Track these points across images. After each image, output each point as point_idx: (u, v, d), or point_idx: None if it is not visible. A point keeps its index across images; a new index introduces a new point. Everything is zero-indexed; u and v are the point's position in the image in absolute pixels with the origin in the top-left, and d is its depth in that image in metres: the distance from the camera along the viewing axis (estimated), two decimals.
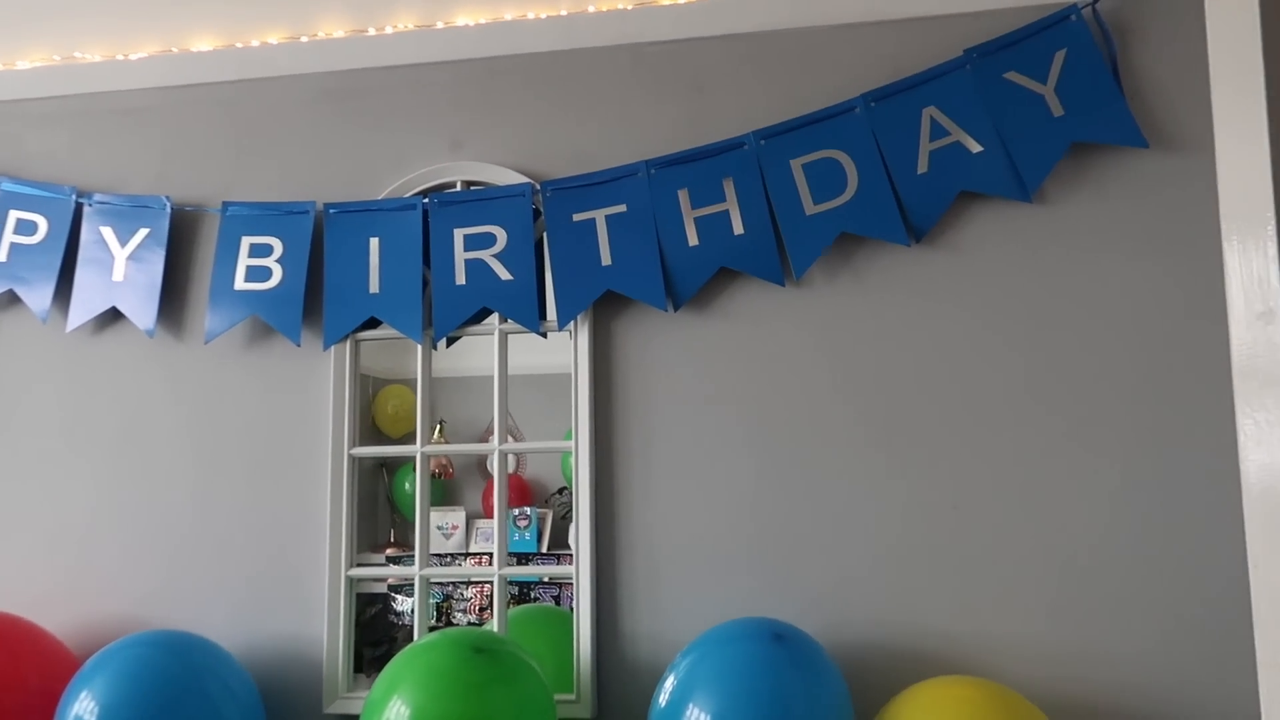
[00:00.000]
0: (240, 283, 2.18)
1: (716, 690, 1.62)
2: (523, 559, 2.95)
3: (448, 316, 2.08)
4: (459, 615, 2.80)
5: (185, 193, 2.29)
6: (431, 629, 1.96)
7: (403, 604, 2.88)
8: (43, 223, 2.27)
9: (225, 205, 2.22)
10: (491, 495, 3.09)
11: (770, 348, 2.00)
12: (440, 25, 2.23)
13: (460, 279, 2.08)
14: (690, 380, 2.03)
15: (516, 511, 3.06)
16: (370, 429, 3.11)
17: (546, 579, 2.59)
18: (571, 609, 1.98)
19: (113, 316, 2.27)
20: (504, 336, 2.10)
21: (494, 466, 2.08)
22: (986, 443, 1.89)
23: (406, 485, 3.12)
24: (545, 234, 2.07)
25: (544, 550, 2.97)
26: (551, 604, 2.71)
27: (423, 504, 2.10)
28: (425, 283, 2.12)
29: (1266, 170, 1.01)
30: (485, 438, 3.01)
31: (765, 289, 2.00)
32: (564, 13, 2.16)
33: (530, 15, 2.18)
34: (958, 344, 1.93)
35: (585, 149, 2.11)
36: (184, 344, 2.25)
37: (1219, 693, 1.67)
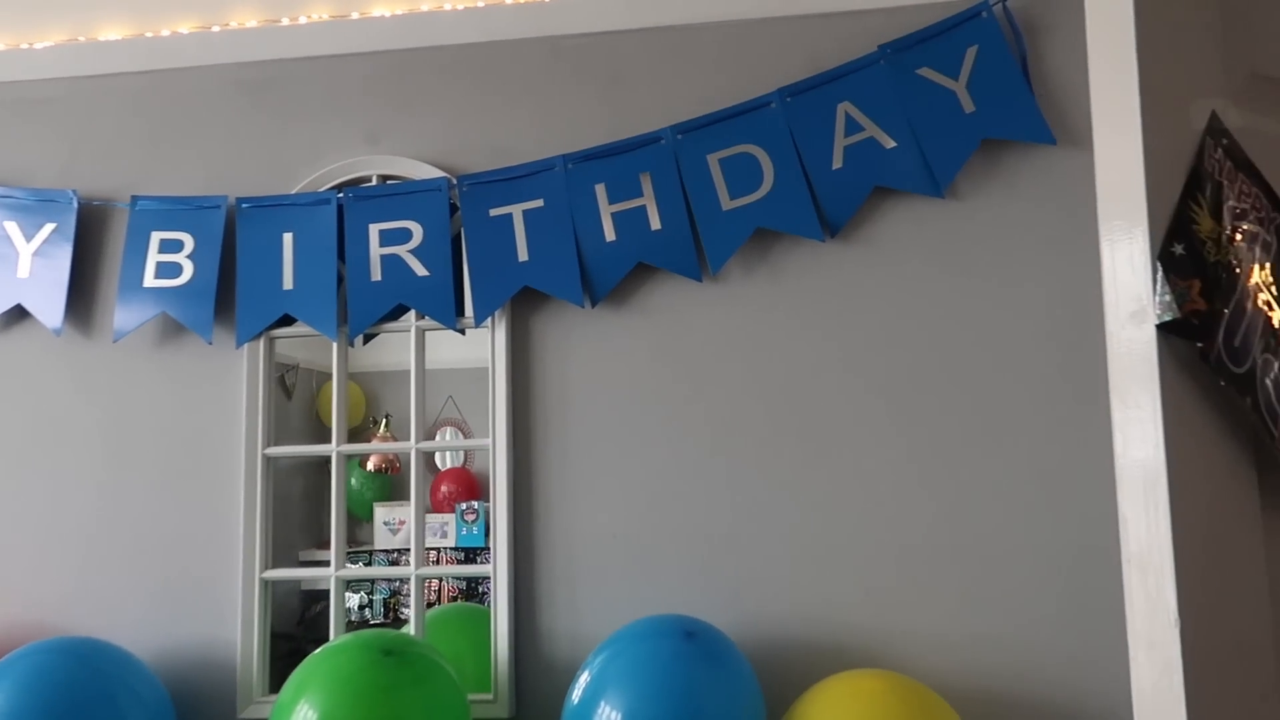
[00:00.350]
0: (150, 279, 2.12)
1: (628, 688, 1.61)
2: (471, 554, 2.93)
3: (363, 313, 2.05)
4: (405, 611, 2.77)
5: (93, 186, 2.22)
6: (379, 625, 1.94)
7: (349, 600, 2.84)
8: None
9: (135, 199, 2.16)
10: (440, 489, 3.06)
11: (687, 343, 1.99)
12: (355, 16, 2.18)
13: (376, 275, 2.05)
14: (608, 376, 2.01)
15: (465, 506, 3.03)
16: (314, 424, 3.07)
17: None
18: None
19: (18, 315, 2.19)
20: (421, 333, 2.07)
21: (413, 465, 2.05)
22: (900, 436, 1.91)
23: (353, 481, 3.08)
24: (462, 229, 2.04)
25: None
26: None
27: (339, 504, 2.07)
28: (340, 279, 2.08)
29: (1139, 171, 1.03)
30: (433, 432, 2.97)
31: (682, 284, 1.99)
32: (481, 4, 2.13)
33: (447, 6, 2.15)
34: (872, 338, 1.94)
35: (503, 143, 2.09)
36: (92, 342, 2.19)
37: (1111, 672, 1.68)
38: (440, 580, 2.69)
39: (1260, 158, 1.14)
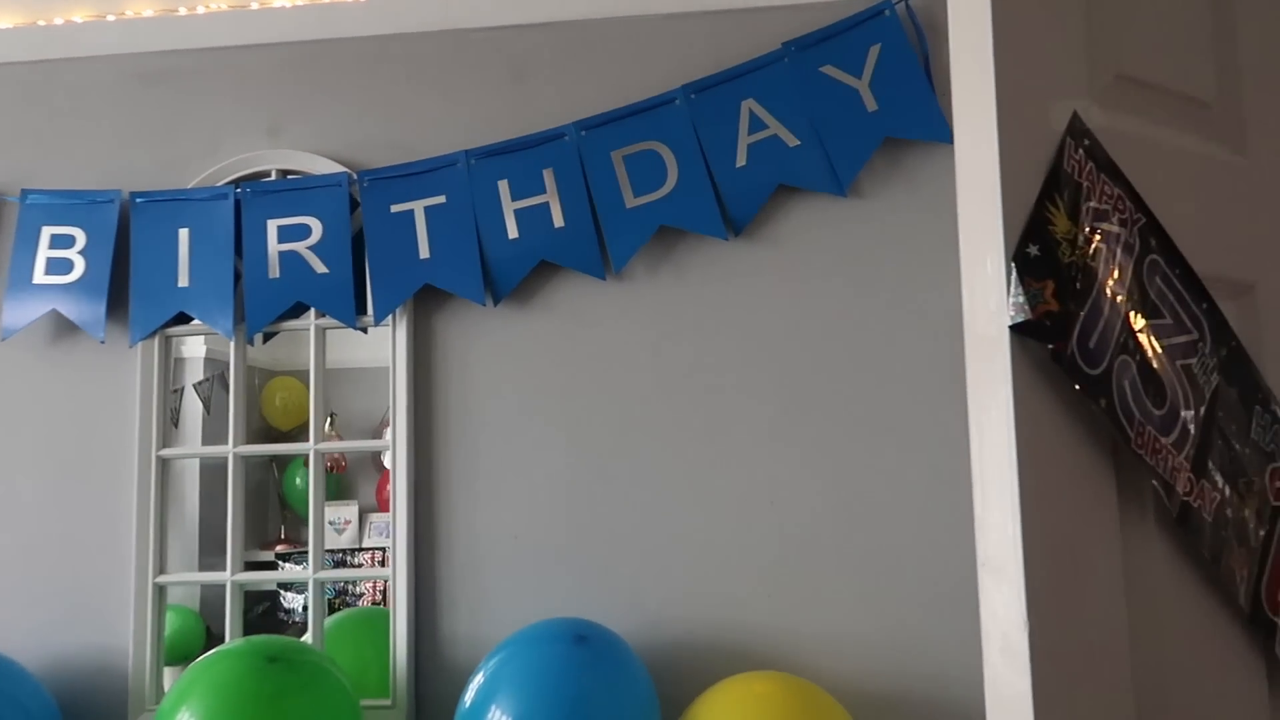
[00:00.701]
0: (40, 275, 2.05)
1: (518, 692, 1.59)
2: None
3: (261, 311, 2.00)
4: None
5: None
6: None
7: (292, 601, 2.79)
8: None
9: (25, 193, 2.08)
10: (386, 488, 3.00)
11: (592, 342, 1.97)
12: (256, 6, 2.13)
13: (274, 272, 2.00)
14: (512, 375, 1.99)
15: None
16: (259, 422, 3.01)
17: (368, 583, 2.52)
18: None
19: None
20: (321, 332, 2.02)
21: (310, 465, 2.01)
22: (801, 437, 1.90)
23: (297, 480, 3.03)
24: (363, 226, 2.00)
25: None
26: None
27: (235, 506, 2.02)
28: (238, 276, 2.04)
29: (995, 172, 1.02)
30: (380, 431, 2.91)
31: (587, 283, 1.97)
32: None
33: None
34: (775, 338, 1.93)
35: (406, 138, 2.05)
36: None
37: None
38: (386, 582, 2.66)
39: (1125, 159, 1.14)
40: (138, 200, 2.05)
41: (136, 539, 1.99)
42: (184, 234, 2.03)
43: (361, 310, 1.99)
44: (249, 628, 2.15)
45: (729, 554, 1.89)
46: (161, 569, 2.00)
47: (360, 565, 2.79)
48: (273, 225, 2.01)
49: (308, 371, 2.00)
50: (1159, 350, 1.17)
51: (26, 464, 2.07)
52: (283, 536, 3.12)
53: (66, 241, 2.06)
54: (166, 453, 2.02)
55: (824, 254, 1.92)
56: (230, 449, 2.02)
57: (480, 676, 1.65)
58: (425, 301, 2.00)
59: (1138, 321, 1.15)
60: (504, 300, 1.97)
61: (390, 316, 1.97)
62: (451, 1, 2.06)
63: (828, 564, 1.86)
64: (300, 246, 2.00)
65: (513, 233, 1.95)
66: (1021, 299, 1.04)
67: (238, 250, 2.02)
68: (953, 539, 1.80)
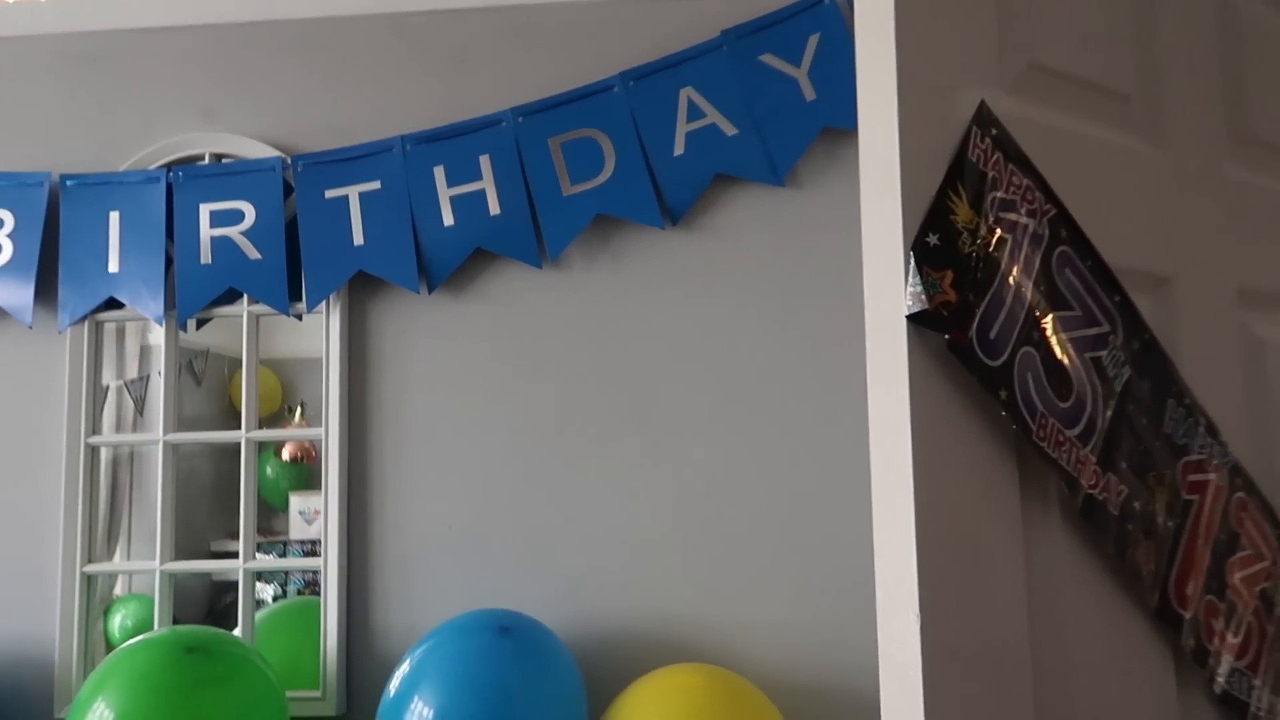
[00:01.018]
0: None
1: (440, 682, 1.58)
2: None
3: (192, 297, 1.97)
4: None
5: None
6: None
7: (261, 591, 2.77)
8: None
9: None
10: None
11: (528, 332, 1.95)
12: None
13: (206, 258, 1.97)
14: (447, 365, 1.97)
15: None
16: (228, 410, 2.98)
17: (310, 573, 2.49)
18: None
19: None
20: (254, 319, 2.00)
21: (242, 454, 1.98)
22: (739, 428, 1.89)
23: (269, 470, 3.01)
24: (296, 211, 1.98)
25: None
26: None
27: (165, 495, 1.99)
28: (170, 261, 2.01)
29: (895, 160, 1.01)
30: None
31: (523, 271, 1.95)
32: None
33: None
34: (711, 328, 1.92)
35: (342, 122, 2.02)
36: None
37: None
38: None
39: (1038, 150, 1.14)
40: (68, 183, 2.02)
41: (64, 527, 1.96)
42: (114, 217, 2.00)
43: (296, 297, 1.97)
44: (217, 618, 2.13)
45: (663, 546, 1.88)
46: (90, 557, 1.97)
47: None
48: (205, 210, 1.98)
49: (278, 360, 1.98)
50: (1066, 342, 1.16)
51: None
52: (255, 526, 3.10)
53: None
54: (95, 440, 1.99)
55: (761, 244, 1.91)
56: (160, 436, 1.99)
57: (405, 666, 1.64)
58: (360, 289, 1.98)
59: (1044, 313, 1.15)
60: (439, 288, 1.95)
61: (324, 304, 1.95)
62: None
63: (762, 556, 1.85)
64: (233, 232, 1.97)
65: (448, 220, 1.93)
66: (919, 288, 1.03)
67: (170, 235, 2.00)
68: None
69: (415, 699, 1.57)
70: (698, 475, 1.88)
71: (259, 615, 2.00)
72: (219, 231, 1.97)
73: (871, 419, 1.05)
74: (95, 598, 1.96)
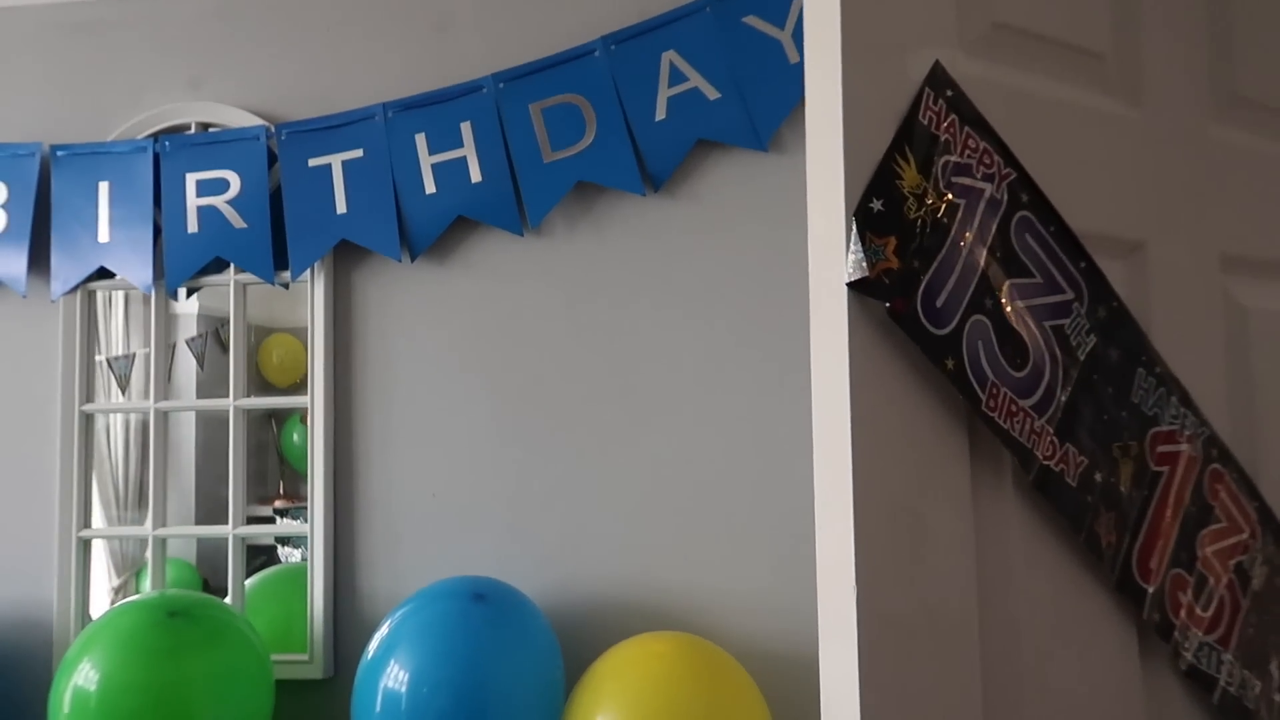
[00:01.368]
0: None
1: (414, 647, 1.60)
2: None
3: (180, 266, 1.99)
4: None
5: None
6: None
7: (289, 556, 2.82)
8: None
9: None
10: None
11: (511, 299, 1.95)
12: None
13: (193, 226, 1.98)
14: (431, 333, 1.97)
15: None
16: (256, 378, 3.03)
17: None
18: None
19: None
20: (241, 288, 2.02)
21: (231, 422, 2.01)
22: (721, 395, 1.88)
23: (295, 436, 3.05)
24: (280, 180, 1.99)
25: None
26: None
27: (158, 461, 2.03)
28: (158, 230, 2.03)
29: (838, 123, 0.99)
30: None
31: (505, 239, 1.94)
32: None
33: None
34: (694, 295, 1.89)
35: (326, 90, 2.01)
36: None
37: None
38: None
39: (1000, 112, 1.10)
40: (59, 153, 2.03)
41: (60, 493, 2.00)
42: (104, 187, 2.01)
43: (282, 266, 1.98)
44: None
45: (644, 513, 1.87)
46: (85, 523, 2.01)
47: None
48: (191, 179, 1.99)
49: (304, 329, 1.99)
50: (1023, 310, 1.13)
51: None
52: (281, 492, 3.15)
53: None
54: (89, 407, 2.02)
55: (744, 210, 1.88)
56: (151, 404, 2.02)
57: (382, 631, 1.66)
58: (345, 258, 1.99)
59: (999, 280, 1.12)
60: (422, 256, 1.95)
61: (309, 272, 1.96)
62: None
63: (742, 525, 1.84)
64: (219, 201, 1.98)
65: (430, 188, 1.92)
66: (860, 256, 1.01)
67: (158, 204, 2.01)
68: None
69: (391, 662, 1.59)
70: (679, 443, 1.87)
71: (250, 581, 2.03)
72: (205, 201, 1.98)
73: (814, 388, 1.03)
74: (87, 562, 2.00)
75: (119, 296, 2.36)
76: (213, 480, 2.10)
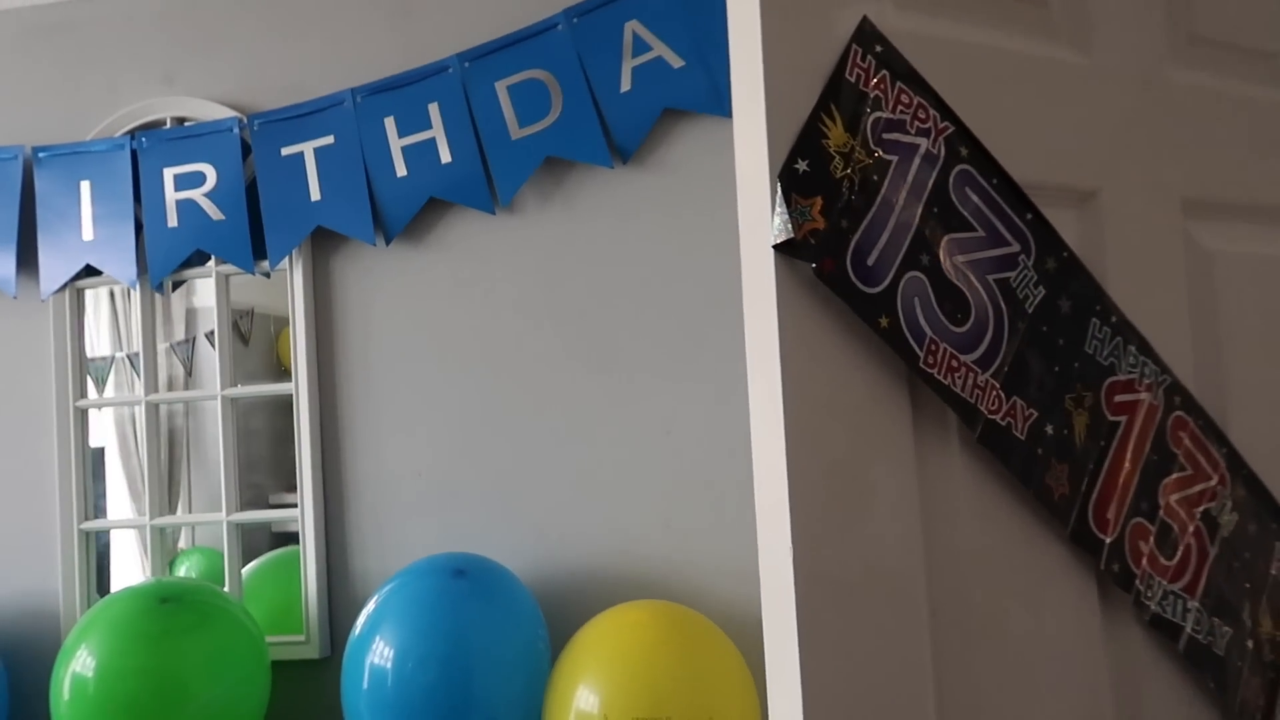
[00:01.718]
0: None
1: (398, 623, 1.62)
2: None
3: (162, 261, 2.01)
4: None
5: None
6: None
7: None
8: None
9: None
10: None
11: (486, 278, 1.95)
12: None
13: (172, 221, 2.01)
14: (410, 315, 1.98)
15: None
16: (275, 367, 3.07)
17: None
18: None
19: None
20: (223, 279, 2.04)
21: (219, 412, 2.04)
22: (698, 366, 1.88)
23: None
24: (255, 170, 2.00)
25: None
26: None
27: (151, 452, 2.07)
28: (140, 226, 2.06)
29: (759, 83, 0.99)
30: None
31: (478, 218, 1.94)
32: None
33: None
34: (668, 266, 1.89)
35: (297, 78, 2.02)
36: None
37: None
38: None
39: (938, 66, 1.09)
40: (40, 154, 2.07)
41: (59, 488, 2.05)
42: (85, 186, 2.04)
43: (261, 255, 2.00)
44: None
45: (626, 485, 1.88)
46: (87, 515, 2.06)
47: None
48: (169, 174, 2.01)
49: None
50: (963, 265, 1.12)
51: None
52: None
53: None
54: (83, 403, 2.06)
55: (714, 177, 1.86)
56: (143, 398, 2.06)
57: (368, 608, 1.69)
58: (322, 244, 2.00)
59: (937, 236, 1.11)
60: (397, 239, 1.96)
61: (287, 260, 1.98)
62: None
63: (722, 493, 1.85)
64: (196, 194, 2.00)
65: (401, 171, 1.93)
66: (785, 217, 1.00)
67: (138, 199, 2.04)
68: None
69: (376, 640, 1.62)
70: (659, 414, 1.88)
71: (251, 566, 2.07)
72: (183, 194, 2.00)
73: (748, 351, 1.04)
74: (93, 552, 2.05)
75: (134, 293, 2.38)
76: (243, 469, 2.15)
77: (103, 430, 2.45)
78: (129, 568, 2.34)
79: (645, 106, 1.85)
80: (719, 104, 1.83)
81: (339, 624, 1.96)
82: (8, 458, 2.09)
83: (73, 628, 1.99)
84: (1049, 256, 1.21)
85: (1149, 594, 1.25)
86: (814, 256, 1.00)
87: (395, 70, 1.95)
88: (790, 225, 1.00)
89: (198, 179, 1.99)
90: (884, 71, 1.10)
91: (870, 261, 1.05)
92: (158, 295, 2.10)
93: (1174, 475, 1.30)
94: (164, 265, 2.00)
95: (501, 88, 1.89)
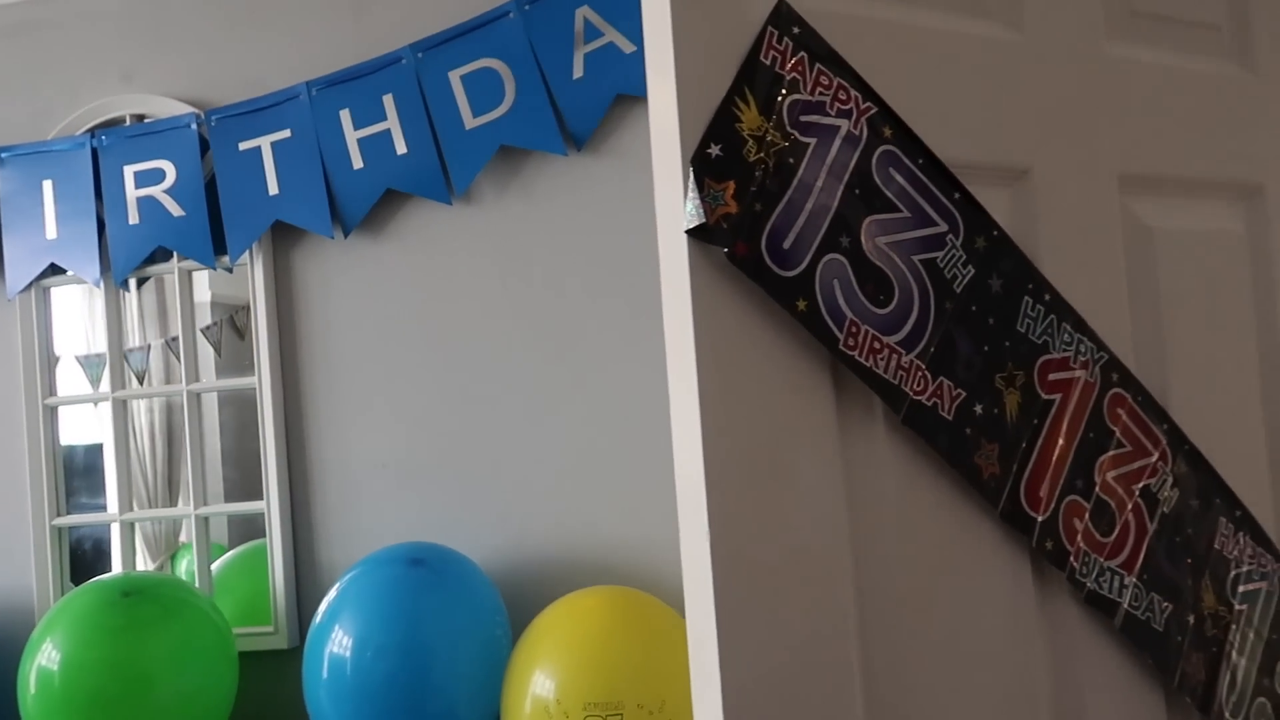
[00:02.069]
0: None
1: (355, 612, 1.63)
2: None
3: (125, 258, 2.02)
4: None
5: None
6: None
7: None
8: None
9: None
10: None
11: (444, 268, 1.94)
12: None
13: (134, 218, 2.01)
14: (371, 306, 1.97)
15: None
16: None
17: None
18: None
19: None
20: (186, 275, 2.04)
21: (184, 406, 2.05)
22: (657, 351, 1.87)
23: None
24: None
25: None
26: None
27: (119, 448, 2.07)
28: (103, 224, 2.06)
29: (670, 68, 0.98)
30: None
31: (435, 208, 1.93)
32: None
33: None
34: (625, 252, 1.88)
35: (253, 73, 2.00)
36: None
37: None
38: None
39: (862, 47, 1.07)
40: (2, 155, 2.06)
41: (30, 485, 2.06)
42: (48, 185, 2.04)
43: (222, 250, 2.00)
44: None
45: (588, 471, 1.88)
46: (59, 511, 2.07)
47: None
48: (129, 171, 2.01)
49: None
50: (886, 246, 1.11)
51: None
52: None
53: None
54: (52, 401, 2.07)
55: None
56: (110, 394, 2.06)
57: (329, 597, 1.70)
58: (282, 237, 2.00)
59: (858, 217, 1.10)
60: (356, 231, 1.95)
61: (248, 254, 1.98)
62: None
63: None
64: (156, 191, 2.00)
65: (357, 163, 1.92)
66: (697, 202, 1.00)
67: (99, 197, 2.04)
68: None
69: (336, 629, 1.63)
70: (618, 399, 1.87)
71: (225, 558, 2.08)
72: (143, 191, 2.00)
73: (666, 337, 1.03)
74: (65, 548, 2.06)
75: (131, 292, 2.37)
76: (239, 461, 2.16)
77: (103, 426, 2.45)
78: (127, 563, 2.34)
79: (598, 93, 1.84)
80: None
81: (307, 615, 1.97)
82: None
83: None
84: (978, 236, 1.20)
85: (1084, 571, 1.24)
86: (727, 241, 1.00)
87: (350, 62, 1.94)
88: (702, 210, 0.99)
89: (157, 176, 1.99)
90: (802, 53, 1.08)
91: (786, 245, 1.04)
92: (147, 292, 2.11)
93: (1111, 452, 1.29)
94: (127, 262, 2.00)
95: (455, 77, 1.88)
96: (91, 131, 2.04)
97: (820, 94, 1.09)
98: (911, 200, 1.16)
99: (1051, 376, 1.26)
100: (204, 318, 2.96)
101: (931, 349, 1.14)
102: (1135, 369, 1.33)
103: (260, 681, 1.90)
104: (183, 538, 2.46)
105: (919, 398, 1.12)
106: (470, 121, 1.87)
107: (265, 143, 1.94)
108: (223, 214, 1.96)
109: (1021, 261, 1.23)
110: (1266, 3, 1.44)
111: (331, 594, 1.69)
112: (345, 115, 1.91)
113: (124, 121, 2.05)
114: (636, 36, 1.81)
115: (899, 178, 1.15)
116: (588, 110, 1.85)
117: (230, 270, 2.02)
